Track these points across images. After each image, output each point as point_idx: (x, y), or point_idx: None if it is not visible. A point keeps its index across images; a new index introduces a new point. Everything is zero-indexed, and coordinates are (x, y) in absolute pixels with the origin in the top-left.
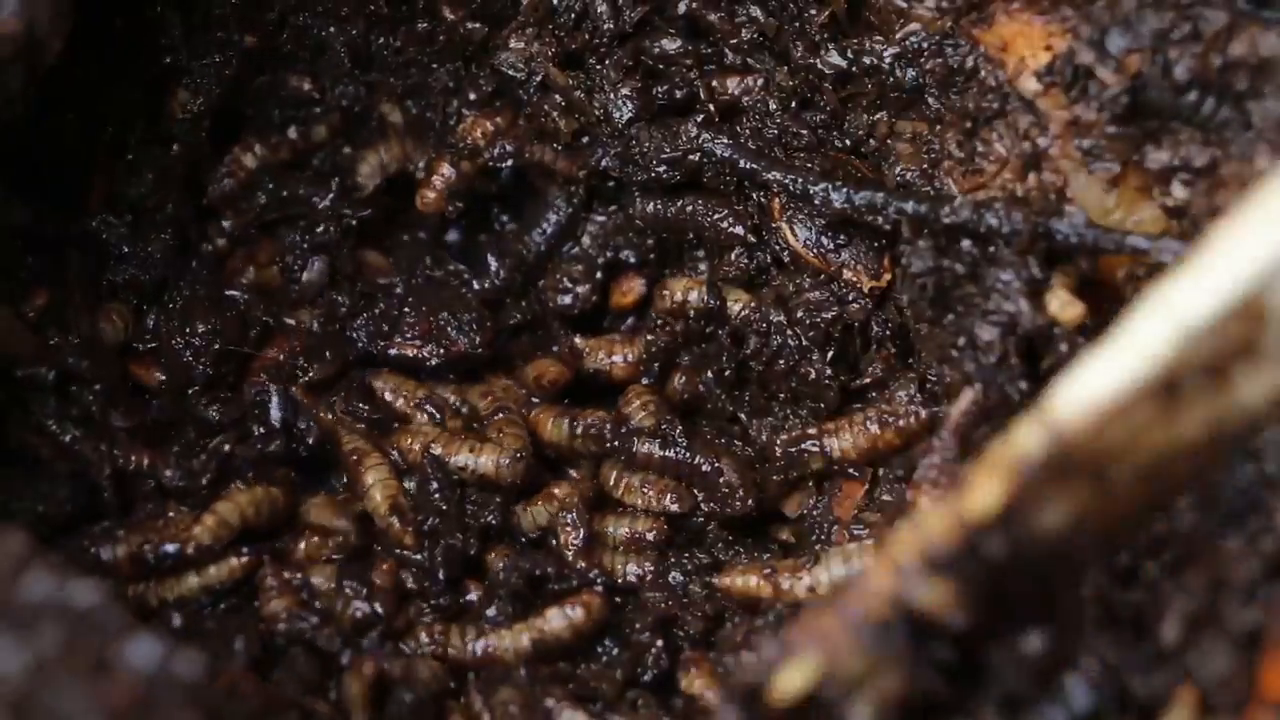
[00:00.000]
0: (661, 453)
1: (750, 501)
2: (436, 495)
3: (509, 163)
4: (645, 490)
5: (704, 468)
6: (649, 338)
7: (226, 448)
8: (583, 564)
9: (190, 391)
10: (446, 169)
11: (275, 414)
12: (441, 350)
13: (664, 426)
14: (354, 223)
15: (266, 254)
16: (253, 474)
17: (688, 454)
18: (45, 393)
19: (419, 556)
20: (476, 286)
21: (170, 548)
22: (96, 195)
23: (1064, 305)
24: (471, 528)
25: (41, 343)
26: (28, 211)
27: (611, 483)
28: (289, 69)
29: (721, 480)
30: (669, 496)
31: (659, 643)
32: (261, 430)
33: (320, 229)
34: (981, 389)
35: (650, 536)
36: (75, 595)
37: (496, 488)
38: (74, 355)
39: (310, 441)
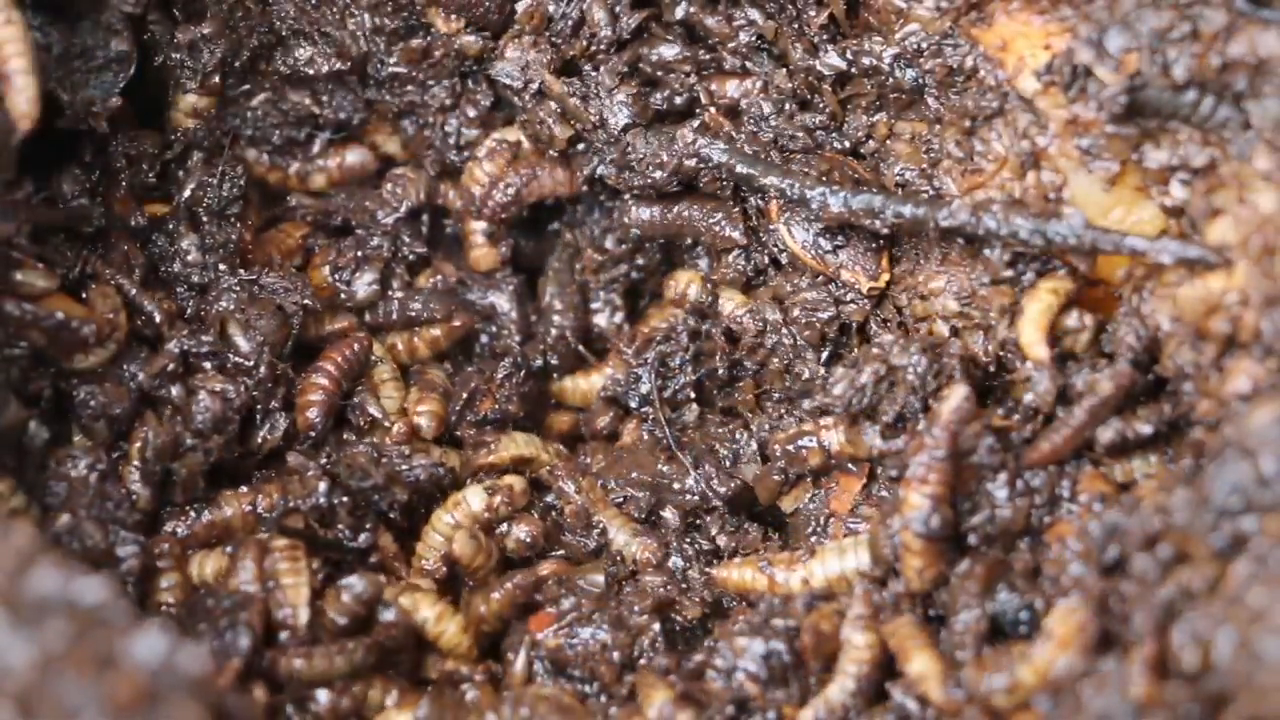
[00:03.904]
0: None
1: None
2: None
3: (514, 209)
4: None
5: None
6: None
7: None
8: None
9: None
10: (474, 224)
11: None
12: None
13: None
14: (406, 238)
15: (321, 258)
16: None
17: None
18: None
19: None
20: (518, 355)
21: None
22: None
23: (1031, 346)
24: None
25: (92, 312)
26: (68, 211)
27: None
28: (288, 85)
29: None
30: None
31: (656, 626)
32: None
33: (374, 242)
34: (971, 389)
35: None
36: (82, 591)
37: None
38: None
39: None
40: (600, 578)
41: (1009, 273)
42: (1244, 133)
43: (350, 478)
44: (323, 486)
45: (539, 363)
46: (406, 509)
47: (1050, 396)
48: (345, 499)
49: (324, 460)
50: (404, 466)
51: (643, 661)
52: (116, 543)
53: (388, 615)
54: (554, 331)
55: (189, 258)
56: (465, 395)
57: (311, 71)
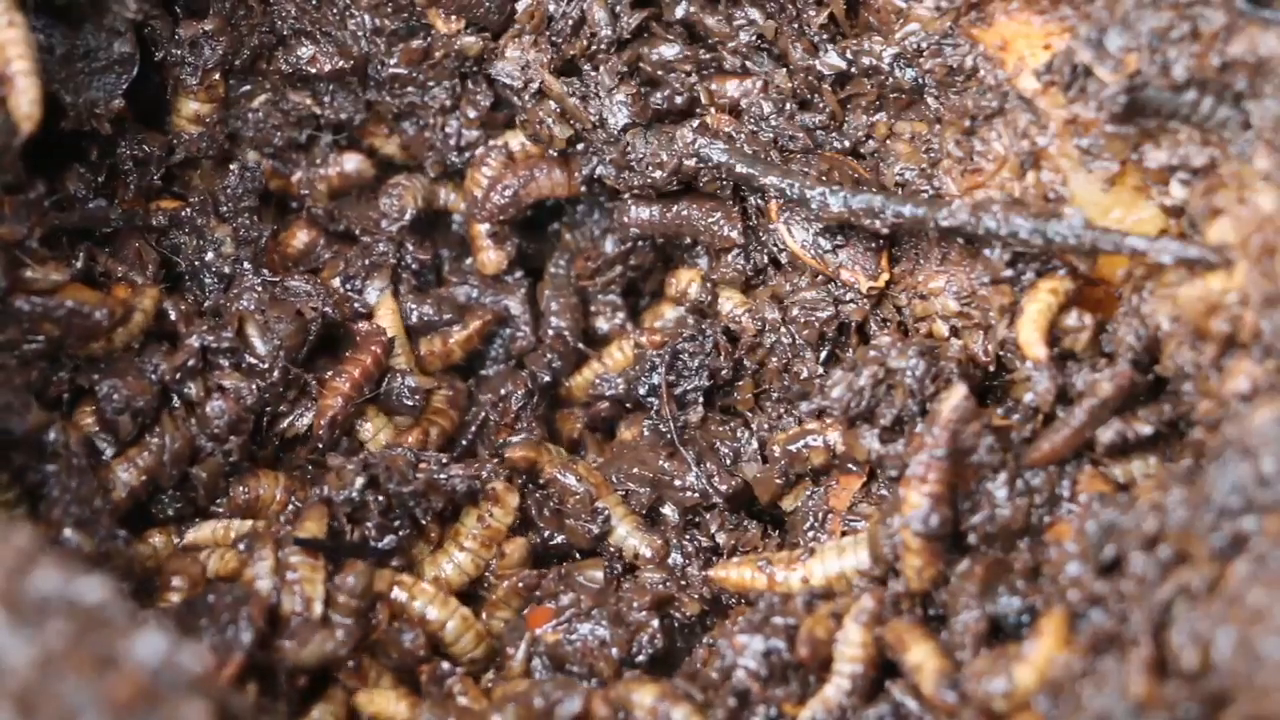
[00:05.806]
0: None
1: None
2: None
3: (512, 211)
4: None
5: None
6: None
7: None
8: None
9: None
10: (479, 227)
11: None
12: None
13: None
14: (410, 245)
15: (330, 271)
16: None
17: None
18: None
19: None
20: (528, 378)
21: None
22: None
23: (1029, 345)
24: None
25: (106, 296)
26: (83, 212)
27: None
28: (289, 86)
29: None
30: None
31: (655, 623)
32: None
33: (380, 249)
34: (970, 388)
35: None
36: (82, 590)
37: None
38: None
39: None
40: (599, 573)
41: (1009, 272)
42: (1244, 133)
43: (389, 480)
44: (359, 481)
45: (547, 379)
46: (440, 517)
47: (1050, 396)
48: (380, 499)
49: (362, 459)
50: (442, 475)
51: (640, 659)
52: (99, 538)
53: (406, 636)
54: (551, 333)
55: (223, 249)
56: (477, 425)
57: (314, 70)
